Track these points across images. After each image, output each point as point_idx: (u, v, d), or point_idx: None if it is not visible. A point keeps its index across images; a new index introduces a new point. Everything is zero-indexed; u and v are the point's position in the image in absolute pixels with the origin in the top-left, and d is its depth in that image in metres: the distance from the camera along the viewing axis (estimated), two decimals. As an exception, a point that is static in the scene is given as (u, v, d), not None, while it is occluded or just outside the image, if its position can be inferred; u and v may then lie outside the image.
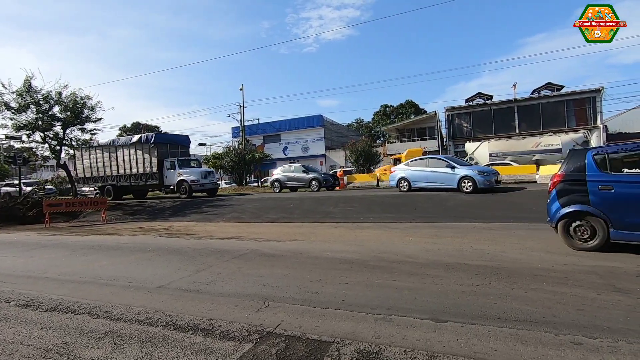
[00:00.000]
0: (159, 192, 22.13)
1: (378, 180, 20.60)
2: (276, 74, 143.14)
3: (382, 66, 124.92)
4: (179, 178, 18.92)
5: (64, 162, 19.33)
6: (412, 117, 49.68)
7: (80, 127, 18.42)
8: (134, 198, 22.33)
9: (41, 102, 16.87)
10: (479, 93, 33.62)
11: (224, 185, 31.89)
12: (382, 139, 56.27)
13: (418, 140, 36.84)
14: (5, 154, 23.68)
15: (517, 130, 29.26)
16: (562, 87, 30.03)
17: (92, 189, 24.56)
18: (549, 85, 30.57)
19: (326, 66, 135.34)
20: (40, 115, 16.93)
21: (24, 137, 18.04)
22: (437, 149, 34.44)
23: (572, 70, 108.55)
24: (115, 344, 3.08)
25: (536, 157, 21.19)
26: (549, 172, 16.46)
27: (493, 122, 30.53)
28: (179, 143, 21.87)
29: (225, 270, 5.35)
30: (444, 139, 34.72)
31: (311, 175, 18.99)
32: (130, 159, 20.48)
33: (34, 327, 3.60)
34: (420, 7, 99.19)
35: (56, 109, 17.46)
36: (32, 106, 16.78)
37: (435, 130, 36.31)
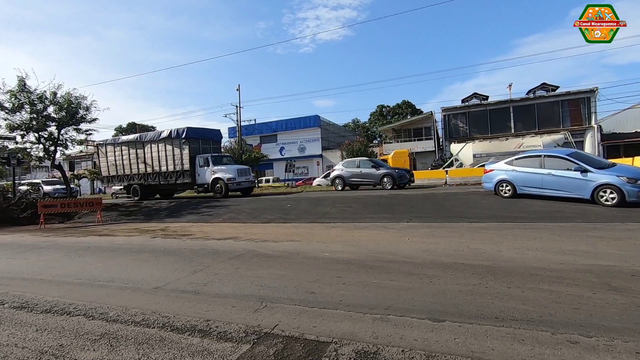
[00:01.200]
0: (190, 191, 20.72)
1: None
2: (273, 75, 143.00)
3: (378, 66, 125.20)
4: (213, 176, 17.38)
5: (59, 162, 19.18)
6: (409, 117, 49.85)
7: (75, 127, 18.31)
8: (161, 198, 20.88)
9: (35, 102, 16.74)
10: (475, 93, 33.79)
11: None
12: (378, 139, 56.37)
13: (414, 140, 36.95)
14: (-2, 154, 23.38)
15: (512, 131, 29.44)
16: (557, 87, 30.26)
17: (118, 188, 23.15)
18: (544, 86, 30.78)
19: (323, 66, 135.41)
20: (35, 115, 16.81)
21: (18, 138, 17.91)
22: (433, 149, 34.58)
23: (567, 70, 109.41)
24: (111, 345, 3.05)
25: None
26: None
27: (489, 122, 30.69)
28: (211, 138, 20.05)
29: (222, 271, 5.33)
30: (440, 139, 34.85)
31: (382, 170, 16.46)
32: (159, 156, 18.89)
33: (29, 329, 3.56)
34: (417, 8, 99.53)
35: (51, 109, 17.35)
36: (26, 106, 16.66)
37: (431, 130, 36.43)
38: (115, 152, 20.52)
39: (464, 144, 26.10)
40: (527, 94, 31.32)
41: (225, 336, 3.08)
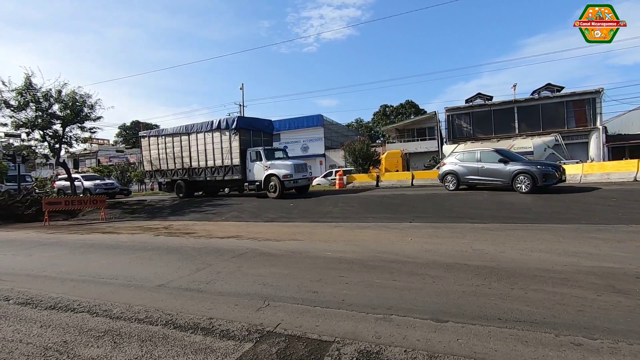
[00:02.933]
0: (240, 189, 18.06)
1: (378, 180, 20.59)
2: (276, 74, 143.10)
3: (382, 66, 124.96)
4: (267, 172, 15.32)
5: (63, 160, 19.26)
6: (412, 117, 49.71)
7: (79, 125, 18.40)
8: (205, 195, 19.21)
9: (41, 100, 16.85)
10: (479, 93, 33.62)
11: None
12: (381, 139, 56.26)
13: (418, 140, 36.86)
14: (4, 151, 23.52)
15: (517, 131, 29.28)
16: (562, 88, 30.05)
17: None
18: (549, 86, 30.59)
19: (326, 66, 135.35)
20: (40, 113, 16.92)
21: (23, 135, 18.05)
22: (436, 149, 34.47)
23: (572, 71, 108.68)
24: (115, 342, 3.07)
25: None
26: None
27: (493, 123, 30.55)
28: (262, 129, 17.93)
29: (224, 270, 5.34)
30: (444, 140, 34.74)
31: (515, 166, 11.93)
32: (205, 149, 17.19)
33: (34, 325, 3.59)
34: (421, 8, 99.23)
35: (55, 107, 17.45)
36: (31, 104, 16.76)
37: (435, 130, 36.32)
38: (158, 144, 18.97)
39: (456, 145, 26.09)
40: (531, 94, 31.14)
41: (227, 334, 3.09)
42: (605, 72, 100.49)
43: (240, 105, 36.28)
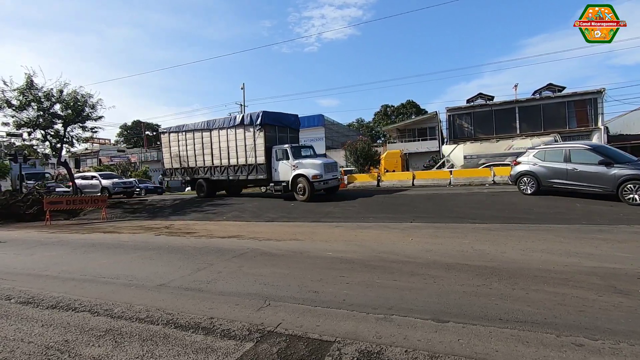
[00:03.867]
0: (262, 188, 17.49)
1: (379, 180, 20.57)
2: (277, 73, 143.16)
3: (383, 66, 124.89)
4: (294, 172, 14.06)
5: (65, 159, 19.26)
6: (413, 117, 49.67)
7: (81, 125, 18.41)
8: (227, 195, 18.39)
9: (42, 100, 16.87)
10: (480, 93, 33.56)
11: None
12: (382, 139, 56.23)
13: (419, 140, 36.82)
14: (5, 151, 23.53)
15: (518, 131, 29.22)
16: (564, 88, 29.97)
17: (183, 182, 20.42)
18: (550, 86, 30.51)
19: (327, 66, 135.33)
20: (41, 113, 16.93)
21: (25, 135, 18.07)
22: (437, 149, 34.43)
23: (573, 71, 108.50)
24: (116, 341, 3.08)
25: (508, 159, 21.36)
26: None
27: (494, 123, 30.49)
28: (288, 125, 16.50)
29: (225, 269, 5.35)
30: (445, 140, 34.70)
31: (625, 171, 9.39)
32: (228, 146, 16.11)
33: (35, 324, 3.60)
34: (422, 8, 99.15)
35: (57, 107, 17.46)
36: (33, 104, 16.78)
37: (436, 130, 36.27)
38: (179, 141, 18.05)
39: (455, 145, 26.10)
40: (533, 94, 31.06)
41: (228, 334, 3.09)
42: (607, 72, 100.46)
43: (241, 105, 36.30)
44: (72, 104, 17.21)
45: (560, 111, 28.49)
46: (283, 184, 14.60)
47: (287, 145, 14.74)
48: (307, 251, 6.39)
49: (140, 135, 58.92)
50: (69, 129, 18.12)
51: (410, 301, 3.65)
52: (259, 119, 14.89)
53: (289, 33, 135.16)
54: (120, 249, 7.81)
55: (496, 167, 18.59)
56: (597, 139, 26.57)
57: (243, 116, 15.66)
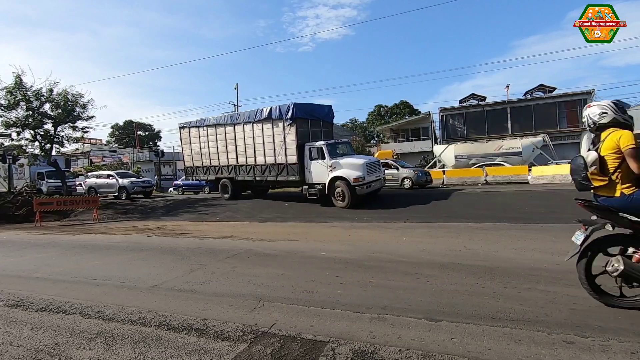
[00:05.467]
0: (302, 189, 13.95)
1: None
2: (271, 73, 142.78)
3: (377, 66, 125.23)
4: (331, 174, 12.08)
5: (55, 160, 18.99)
6: (407, 117, 49.90)
7: (71, 124, 18.18)
8: (252, 195, 16.80)
9: (31, 100, 16.64)
10: (473, 94, 33.88)
11: None
12: (376, 139, 56.40)
13: (412, 140, 37.00)
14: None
15: (509, 132, 29.54)
16: (555, 88, 30.39)
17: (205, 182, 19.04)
18: (541, 87, 30.91)
19: (322, 66, 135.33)
20: (31, 112, 16.69)
21: (14, 135, 17.80)
22: (430, 149, 34.65)
23: (565, 72, 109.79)
24: (107, 344, 3.04)
25: (498, 159, 21.61)
26: (541, 172, 16.69)
27: (486, 123, 30.79)
28: (322, 118, 14.46)
29: (219, 270, 5.32)
30: (438, 140, 34.94)
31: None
32: (254, 143, 14.36)
33: (24, 327, 3.54)
34: (416, 9, 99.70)
35: (47, 107, 17.24)
36: (22, 103, 16.54)
37: (429, 130, 36.49)
38: (200, 137, 16.55)
39: (447, 145, 26.38)
40: (524, 95, 31.44)
41: (222, 335, 3.07)
42: (598, 74, 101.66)
43: (234, 105, 36.13)
44: (62, 103, 17.00)
45: (551, 112, 28.87)
46: (318, 187, 12.59)
47: (322, 143, 12.69)
48: (301, 251, 6.39)
49: (133, 135, 58.33)
50: (59, 129, 17.89)
51: (404, 300, 3.66)
52: (290, 112, 12.89)
53: (284, 33, 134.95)
54: (112, 250, 7.73)
55: (488, 167, 18.78)
56: (587, 139, 26.93)
57: (271, 109, 13.60)
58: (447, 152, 24.82)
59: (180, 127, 17.77)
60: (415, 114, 53.19)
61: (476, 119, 31.49)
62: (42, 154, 18.11)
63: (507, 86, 35.56)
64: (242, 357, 2.69)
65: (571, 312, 3.16)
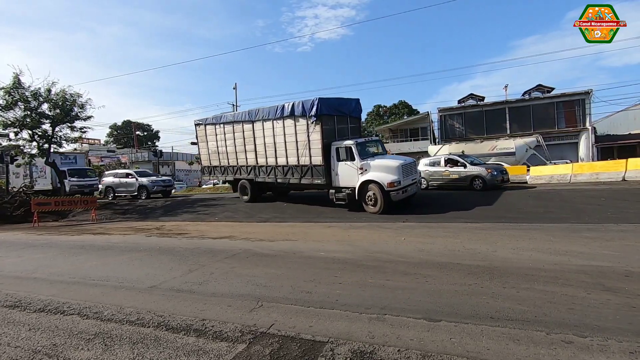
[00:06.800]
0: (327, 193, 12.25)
1: None
2: (270, 73, 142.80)
3: (375, 66, 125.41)
4: (363, 177, 10.82)
5: (53, 160, 18.91)
6: (405, 117, 49.93)
7: (69, 125, 18.11)
8: (274, 197, 15.69)
9: (29, 100, 16.56)
10: (471, 94, 33.90)
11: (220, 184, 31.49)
12: (375, 139, 56.27)
13: (411, 140, 37.02)
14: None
15: (508, 131, 29.57)
16: (553, 89, 30.42)
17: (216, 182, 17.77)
18: (539, 87, 30.94)
19: (320, 66, 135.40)
20: (29, 112, 16.61)
21: (12, 135, 17.70)
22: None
23: (563, 72, 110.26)
24: (105, 345, 3.03)
25: (492, 159, 21.63)
26: (539, 172, 16.71)
27: (485, 123, 30.82)
28: (348, 113, 13.01)
29: (218, 270, 5.31)
30: (437, 140, 34.97)
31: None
32: (274, 142, 13.08)
33: (22, 328, 3.53)
34: (415, 9, 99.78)
35: (45, 107, 17.15)
36: (20, 103, 16.46)
37: (428, 130, 36.52)
38: (217, 134, 15.49)
39: (441, 145, 26.40)
40: (522, 95, 31.47)
41: (220, 336, 3.07)
42: (595, 74, 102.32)
43: (233, 105, 36.10)
44: (60, 103, 16.91)
45: (549, 112, 28.91)
46: (347, 191, 11.32)
47: (351, 142, 11.32)
48: (300, 251, 6.38)
49: (131, 135, 58.21)
50: (57, 129, 17.80)
51: (403, 301, 3.66)
52: (314, 108, 11.56)
53: (282, 33, 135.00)
54: (110, 250, 7.70)
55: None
56: (585, 139, 27.03)
57: (293, 105, 12.28)
58: (441, 152, 24.89)
59: (195, 124, 16.71)
60: (414, 114, 53.21)
61: (475, 119, 31.51)
62: (40, 154, 18.03)
63: (506, 86, 35.75)
64: (241, 357, 2.68)
65: (570, 312, 3.16)
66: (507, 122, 30.03)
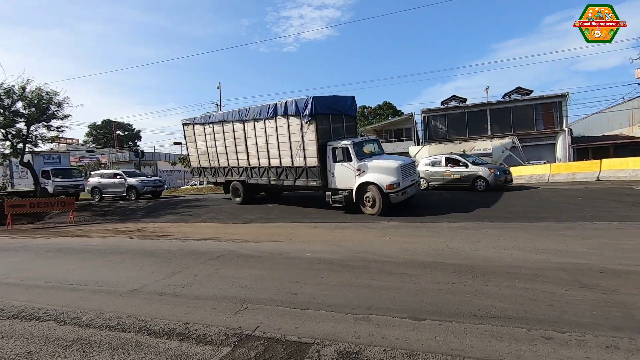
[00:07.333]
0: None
1: None
2: (255, 73, 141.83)
3: (360, 67, 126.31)
4: (360, 179, 10.52)
5: (28, 160, 18.22)
6: (390, 118, 50.43)
7: (45, 124, 17.48)
8: (267, 199, 15.39)
9: (2, 97, 15.91)
10: (454, 96, 34.55)
11: (199, 186, 31.05)
12: (360, 139, 56.58)
13: (395, 141, 37.39)
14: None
15: (489, 132, 30.26)
16: (531, 91, 31.32)
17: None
18: (519, 90, 31.80)
19: (305, 66, 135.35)
20: (1, 111, 15.97)
21: (-16, 134, 16.97)
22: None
23: (541, 75, 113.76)
24: (84, 351, 2.93)
25: None
26: (519, 173, 17.18)
27: (467, 124, 31.45)
28: (344, 111, 12.59)
29: (201, 273, 5.22)
30: (420, 140, 35.46)
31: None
32: (267, 142, 12.62)
33: (-6, 336, 3.37)
34: (400, 11, 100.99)
35: (19, 105, 16.51)
36: (-8, 101, 15.81)
37: (412, 131, 36.99)
38: (206, 134, 14.99)
39: (421, 146, 26.88)
40: (503, 97, 32.29)
41: (204, 339, 3.01)
42: (572, 77, 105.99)
43: (217, 104, 35.66)
44: (35, 101, 16.32)
45: (528, 113, 29.72)
46: (344, 193, 10.94)
47: (347, 142, 10.97)
48: (286, 252, 6.35)
49: (111, 135, 56.71)
50: (32, 128, 17.17)
51: (388, 300, 3.69)
52: (308, 107, 11.10)
53: (267, 32, 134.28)
54: (89, 253, 7.47)
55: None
56: (562, 140, 27.92)
57: (286, 104, 11.79)
58: (422, 153, 25.27)
59: (183, 124, 16.17)
60: (398, 114, 53.77)
61: (457, 120, 32.11)
62: (14, 154, 17.35)
63: (487, 88, 36.59)
64: (225, 361, 2.64)
65: (549, 309, 3.25)
66: (489, 123, 30.72)
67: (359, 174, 10.60)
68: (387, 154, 13.50)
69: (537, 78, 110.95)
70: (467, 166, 13.68)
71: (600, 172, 15.23)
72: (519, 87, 31.88)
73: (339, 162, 11.01)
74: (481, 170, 13.27)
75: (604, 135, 30.39)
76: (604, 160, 15.87)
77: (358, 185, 10.53)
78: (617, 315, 3.04)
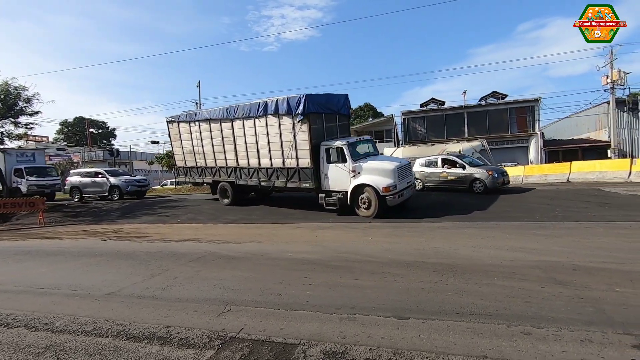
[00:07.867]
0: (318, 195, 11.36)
1: None
2: (235, 72, 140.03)
3: (341, 68, 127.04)
4: (356, 180, 10.14)
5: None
6: (370, 119, 50.93)
7: (13, 120, 16.64)
8: (257, 199, 14.76)
9: (-35, 91, 15.05)
10: (433, 98, 35.30)
11: (169, 186, 30.26)
12: (341, 140, 56.82)
13: (376, 142, 37.82)
14: None
15: (466, 135, 31.11)
16: (506, 95, 32.43)
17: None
18: (494, 94, 32.86)
19: (287, 66, 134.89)
20: (-36, 105, 15.11)
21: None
22: (393, 151, 35.59)
23: (516, 80, 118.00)
24: (58, 358, 2.80)
25: None
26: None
27: (445, 127, 32.21)
28: (337, 111, 12.06)
29: (182, 274, 5.09)
30: (400, 142, 36.00)
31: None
32: (257, 142, 12.11)
33: (-42, 344, 3.17)
34: (381, 14, 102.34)
35: (-17, 100, 15.66)
36: (-46, 95, 14.92)
37: (392, 133, 37.51)
38: (192, 133, 14.29)
39: (395, 148, 27.39)
40: (479, 100, 33.27)
41: (187, 343, 2.94)
42: (544, 83, 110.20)
43: (196, 103, 34.97)
44: (2, 96, 15.52)
45: (503, 117, 30.75)
46: (338, 195, 10.54)
47: (342, 142, 10.59)
48: (268, 253, 6.29)
49: (84, 132, 54.60)
50: (-2, 124, 16.32)
51: (373, 300, 3.71)
52: (301, 106, 10.64)
53: (248, 32, 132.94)
54: (61, 256, 7.16)
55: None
56: (535, 143, 29.02)
57: (277, 102, 11.29)
58: (395, 155, 25.74)
59: (167, 122, 15.43)
60: (378, 116, 54.37)
61: (436, 123, 32.83)
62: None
63: (464, 92, 37.57)
64: (209, 364, 2.58)
65: (527, 305, 3.36)
66: (466, 126, 31.57)
67: (354, 176, 10.26)
68: (384, 155, 13.24)
69: (512, 83, 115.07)
70: (464, 167, 13.47)
71: (570, 174, 15.96)
72: (495, 91, 32.92)
73: (333, 163, 10.66)
74: (479, 172, 13.04)
75: (573, 138, 31.84)
76: (574, 163, 16.64)
77: (353, 187, 10.20)
78: (590, 311, 3.18)
